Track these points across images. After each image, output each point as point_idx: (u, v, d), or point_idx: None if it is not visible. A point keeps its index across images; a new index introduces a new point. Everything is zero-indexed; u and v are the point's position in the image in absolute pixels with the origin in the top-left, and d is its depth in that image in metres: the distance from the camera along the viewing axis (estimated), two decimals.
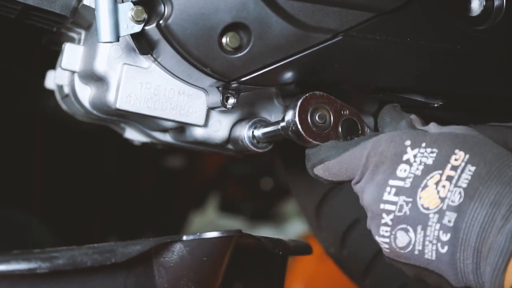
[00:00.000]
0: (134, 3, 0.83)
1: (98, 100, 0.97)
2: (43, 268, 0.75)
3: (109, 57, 0.94)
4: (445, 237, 0.75)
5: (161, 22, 0.84)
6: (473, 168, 0.74)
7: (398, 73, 0.92)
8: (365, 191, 0.82)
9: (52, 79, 1.15)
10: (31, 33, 1.16)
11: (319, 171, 0.86)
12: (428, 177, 0.76)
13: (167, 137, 1.07)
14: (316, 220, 1.29)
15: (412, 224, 0.77)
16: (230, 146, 1.01)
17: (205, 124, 0.97)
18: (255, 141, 0.97)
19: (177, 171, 2.25)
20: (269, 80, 0.88)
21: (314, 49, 0.87)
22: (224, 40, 0.85)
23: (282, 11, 0.86)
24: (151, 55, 0.90)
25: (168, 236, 0.82)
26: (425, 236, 0.76)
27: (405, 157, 0.78)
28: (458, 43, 0.93)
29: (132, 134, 1.13)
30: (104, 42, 0.82)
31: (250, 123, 0.97)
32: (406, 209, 0.77)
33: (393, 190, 0.78)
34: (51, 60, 1.11)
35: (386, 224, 0.79)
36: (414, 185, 0.77)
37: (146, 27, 0.85)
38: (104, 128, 1.22)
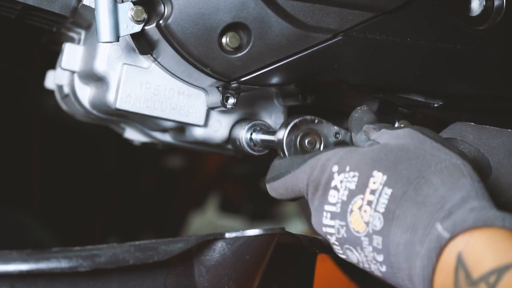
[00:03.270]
0: (134, 3, 0.83)
1: (98, 100, 0.97)
2: (85, 266, 0.73)
3: (109, 57, 0.94)
4: (380, 258, 0.75)
5: (161, 22, 0.84)
6: (389, 191, 0.74)
7: (398, 73, 0.92)
8: (311, 214, 0.83)
9: (52, 79, 1.15)
10: (31, 33, 1.16)
11: (269, 190, 0.89)
12: (352, 202, 0.77)
13: (167, 137, 1.07)
14: None
15: (352, 245, 0.78)
16: (229, 146, 1.01)
17: (205, 124, 0.97)
18: (252, 144, 0.97)
19: (177, 171, 2.25)
20: (269, 80, 0.88)
21: (314, 49, 0.87)
22: (224, 40, 0.85)
23: (282, 11, 0.85)
24: (151, 55, 0.90)
25: (210, 233, 0.80)
26: (365, 256, 0.77)
27: (333, 184, 0.79)
28: (458, 43, 0.93)
29: (132, 134, 1.13)
30: (104, 42, 0.82)
31: (249, 125, 0.97)
32: (343, 232, 0.78)
33: (329, 214, 0.80)
34: (51, 60, 1.11)
35: (334, 244, 0.81)
36: (343, 210, 0.78)
37: (146, 27, 0.85)
38: (104, 128, 1.22)
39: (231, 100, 0.90)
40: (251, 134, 0.97)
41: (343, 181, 0.78)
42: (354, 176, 0.77)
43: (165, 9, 0.84)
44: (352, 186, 0.77)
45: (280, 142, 0.90)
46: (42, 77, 1.20)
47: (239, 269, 0.81)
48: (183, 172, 2.26)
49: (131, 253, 0.75)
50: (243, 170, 2.28)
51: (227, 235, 0.81)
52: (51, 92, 1.18)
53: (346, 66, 0.89)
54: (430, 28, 0.91)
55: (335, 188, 0.79)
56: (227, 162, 2.28)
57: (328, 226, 0.80)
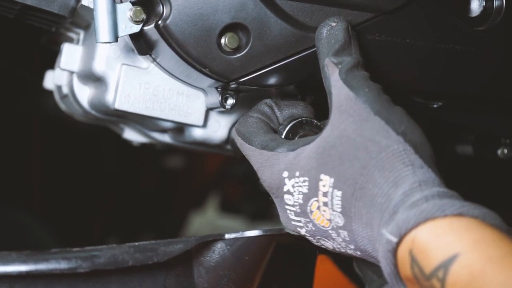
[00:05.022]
0: (133, 4, 0.83)
1: (97, 100, 0.97)
2: (84, 267, 0.73)
3: (108, 57, 0.93)
4: (352, 246, 0.77)
5: (159, 22, 0.83)
6: (339, 193, 0.75)
7: (398, 73, 0.92)
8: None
9: (51, 79, 1.15)
10: (31, 33, 1.16)
11: (236, 139, 0.87)
12: (309, 204, 0.79)
13: (166, 138, 1.07)
14: None
15: (323, 236, 0.80)
16: (229, 147, 1.01)
17: (204, 125, 0.97)
18: None
19: (177, 171, 2.25)
20: (268, 81, 0.87)
21: (313, 49, 0.87)
22: (223, 40, 0.85)
23: (281, 11, 0.85)
24: (150, 55, 0.90)
25: (210, 234, 0.80)
26: (338, 244, 0.79)
27: (285, 188, 0.81)
28: (458, 43, 0.92)
29: (131, 135, 1.13)
30: (102, 43, 0.82)
31: None
32: (310, 226, 0.80)
33: (292, 213, 0.82)
34: (51, 60, 1.11)
35: (306, 235, 0.83)
36: (303, 211, 0.80)
37: (145, 28, 0.85)
38: (104, 128, 1.22)
39: (230, 101, 0.90)
40: None
41: (295, 185, 0.80)
42: (304, 181, 0.79)
43: (164, 10, 0.84)
44: (305, 190, 0.79)
45: None
46: (42, 77, 1.19)
47: (239, 270, 0.82)
48: (183, 172, 2.26)
49: (130, 254, 0.75)
50: (243, 170, 2.28)
51: (227, 236, 0.81)
52: (51, 92, 1.18)
53: None
54: (430, 29, 0.91)
55: (289, 192, 0.81)
56: (227, 162, 2.28)
57: (295, 220, 0.82)
